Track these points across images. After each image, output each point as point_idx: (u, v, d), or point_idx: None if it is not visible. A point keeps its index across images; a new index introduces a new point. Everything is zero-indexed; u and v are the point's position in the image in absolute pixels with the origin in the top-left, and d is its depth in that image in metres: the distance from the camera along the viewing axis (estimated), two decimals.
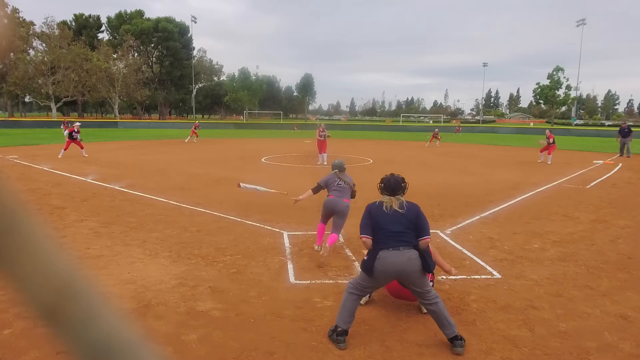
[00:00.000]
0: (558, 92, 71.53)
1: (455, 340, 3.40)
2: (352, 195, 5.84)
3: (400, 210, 3.60)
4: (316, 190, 5.84)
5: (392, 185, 3.72)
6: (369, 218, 3.65)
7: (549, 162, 17.37)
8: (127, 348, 0.36)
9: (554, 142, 17.70)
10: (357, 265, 5.30)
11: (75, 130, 17.09)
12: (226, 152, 20.44)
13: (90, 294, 0.35)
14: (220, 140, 29.75)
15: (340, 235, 5.84)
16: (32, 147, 21.24)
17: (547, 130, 18.76)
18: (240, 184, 4.59)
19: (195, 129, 28.54)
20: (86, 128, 36.54)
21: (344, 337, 3.50)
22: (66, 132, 18.00)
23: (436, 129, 31.78)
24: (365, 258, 3.59)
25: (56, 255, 0.34)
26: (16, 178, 11.36)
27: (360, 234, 3.65)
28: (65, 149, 16.93)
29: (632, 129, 22.26)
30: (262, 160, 17.35)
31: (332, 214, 5.70)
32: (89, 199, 8.99)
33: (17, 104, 75.38)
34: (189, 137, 27.92)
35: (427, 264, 3.48)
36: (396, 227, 3.54)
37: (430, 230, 4.41)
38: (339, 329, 3.52)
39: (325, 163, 15.90)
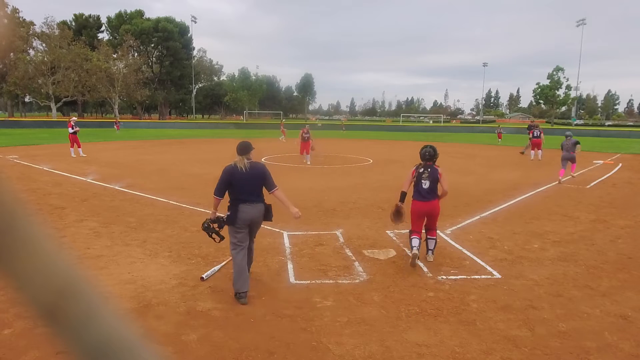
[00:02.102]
0: (558, 92, 71.51)
1: (241, 295, 4.27)
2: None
3: (248, 170, 4.36)
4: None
5: (242, 148, 4.48)
6: (226, 178, 4.38)
7: (537, 158, 18.41)
8: (127, 348, 0.36)
9: (533, 137, 18.66)
10: (357, 265, 5.31)
11: (73, 124, 16.89)
12: (226, 152, 20.38)
13: (90, 294, 0.35)
14: (220, 140, 29.72)
15: None
16: (32, 147, 21.24)
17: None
18: (203, 276, 4.78)
19: (284, 127, 31.74)
20: (86, 128, 36.64)
21: (244, 295, 4.28)
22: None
23: (500, 129, 32.17)
24: (229, 213, 4.36)
25: (56, 255, 0.34)
26: (16, 178, 11.36)
27: (214, 194, 4.43)
28: (72, 147, 16.96)
29: (632, 129, 22.42)
30: (262, 160, 17.34)
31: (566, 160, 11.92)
32: (89, 199, 8.99)
33: (17, 104, 75.34)
34: (283, 136, 30.31)
35: (268, 215, 4.53)
36: (250, 185, 4.39)
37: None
38: (240, 291, 4.27)
39: (308, 163, 16.09)
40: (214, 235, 4.66)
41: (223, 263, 5.21)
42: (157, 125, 50.77)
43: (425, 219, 5.40)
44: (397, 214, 5.50)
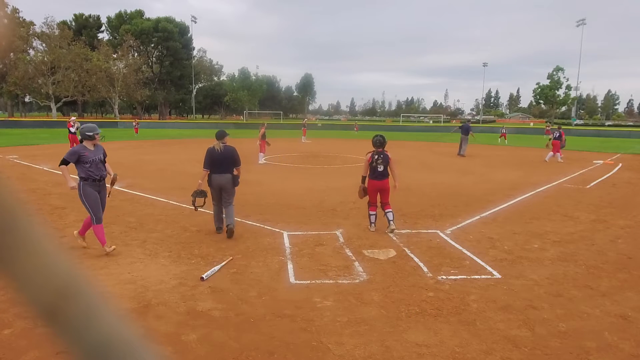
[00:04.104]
0: (558, 92, 71.51)
1: (230, 228, 6.20)
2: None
3: (222, 151, 6.32)
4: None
5: (219, 135, 6.46)
6: (207, 156, 6.34)
7: (556, 159, 18.06)
8: (127, 348, 0.36)
9: (553, 138, 18.26)
10: (357, 265, 5.31)
11: (72, 124, 16.84)
12: None
13: (90, 294, 0.35)
14: None
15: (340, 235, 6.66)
16: (32, 147, 21.24)
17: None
18: (203, 276, 4.79)
19: (305, 127, 31.81)
20: None
21: (221, 229, 6.39)
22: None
23: (504, 129, 32.80)
24: (208, 179, 6.33)
25: (56, 255, 0.34)
26: (16, 178, 11.36)
27: (203, 168, 6.35)
28: (72, 147, 16.91)
29: (632, 129, 22.22)
30: (263, 160, 17.34)
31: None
32: None
33: (17, 104, 75.26)
34: (304, 136, 30.32)
35: (235, 182, 6.36)
36: (220, 161, 6.29)
37: (430, 230, 4.87)
38: (217, 227, 6.47)
39: (260, 162, 15.90)
40: (195, 205, 6.48)
41: (223, 263, 5.21)
42: (157, 125, 50.74)
43: (379, 194, 6.83)
44: (363, 192, 6.96)
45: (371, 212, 6.88)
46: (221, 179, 6.25)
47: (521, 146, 28.71)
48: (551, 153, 18.18)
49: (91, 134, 5.44)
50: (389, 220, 6.71)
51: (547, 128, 41.17)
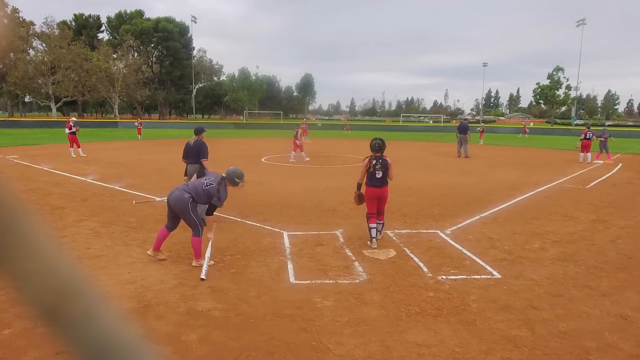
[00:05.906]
0: (558, 92, 71.44)
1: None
2: None
3: (193, 144, 7.28)
4: None
5: (195, 130, 7.48)
6: (184, 149, 7.38)
7: (586, 160, 18.09)
8: (127, 348, 0.36)
9: (585, 138, 18.21)
10: (357, 265, 5.31)
11: (72, 124, 16.78)
12: (226, 152, 20.41)
13: (90, 294, 0.35)
14: (220, 140, 29.72)
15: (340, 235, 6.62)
16: (32, 147, 21.23)
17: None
18: (203, 276, 4.74)
19: (305, 127, 31.07)
20: (86, 128, 36.50)
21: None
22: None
23: (482, 127, 32.91)
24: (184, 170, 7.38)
25: (56, 255, 0.34)
26: (16, 178, 11.36)
27: (182, 158, 7.45)
28: (71, 147, 16.92)
29: (632, 129, 22.05)
30: (262, 160, 17.35)
31: None
32: (89, 199, 8.99)
33: (17, 104, 75.24)
34: (305, 136, 29.83)
35: (203, 172, 6.75)
36: (190, 153, 7.28)
37: (430, 230, 4.59)
38: None
39: (306, 159, 17.11)
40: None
41: (208, 255, 5.06)
42: (157, 125, 50.69)
43: (378, 201, 6.27)
44: (360, 199, 6.45)
45: (371, 226, 6.11)
46: (191, 169, 7.22)
47: (521, 146, 28.70)
48: (582, 154, 18.22)
49: (237, 181, 5.22)
50: (377, 231, 6.17)
51: (525, 128, 41.86)
